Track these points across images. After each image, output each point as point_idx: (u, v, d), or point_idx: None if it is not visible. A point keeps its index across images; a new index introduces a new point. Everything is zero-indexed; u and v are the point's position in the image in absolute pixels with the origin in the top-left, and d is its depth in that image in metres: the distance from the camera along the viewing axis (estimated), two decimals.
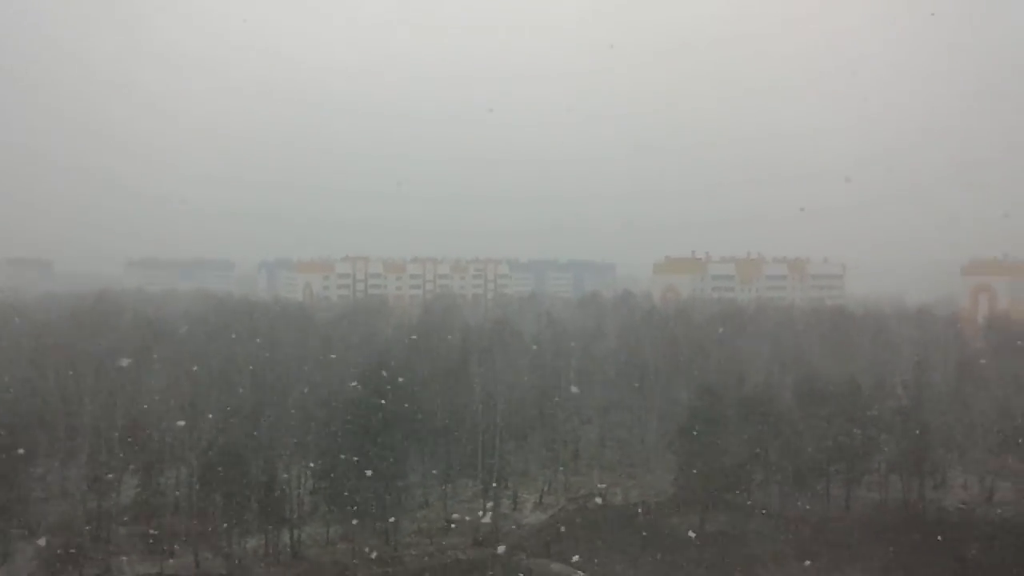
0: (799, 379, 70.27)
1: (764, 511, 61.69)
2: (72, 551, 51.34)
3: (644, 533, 57.95)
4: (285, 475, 58.23)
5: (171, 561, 52.82)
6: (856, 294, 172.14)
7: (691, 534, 55.70)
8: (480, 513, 62.04)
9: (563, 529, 60.23)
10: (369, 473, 55.29)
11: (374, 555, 54.49)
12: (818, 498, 62.78)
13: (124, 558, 53.13)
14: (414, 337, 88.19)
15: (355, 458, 55.63)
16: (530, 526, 62.25)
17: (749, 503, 61.79)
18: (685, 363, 74.85)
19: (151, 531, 54.57)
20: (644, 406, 66.85)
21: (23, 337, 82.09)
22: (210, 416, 56.49)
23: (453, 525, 61.18)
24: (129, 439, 58.31)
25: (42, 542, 51.07)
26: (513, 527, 61.59)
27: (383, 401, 59.24)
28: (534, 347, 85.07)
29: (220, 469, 53.58)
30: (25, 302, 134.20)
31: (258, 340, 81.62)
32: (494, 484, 62.99)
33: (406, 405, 61.59)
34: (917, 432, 62.69)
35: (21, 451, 52.65)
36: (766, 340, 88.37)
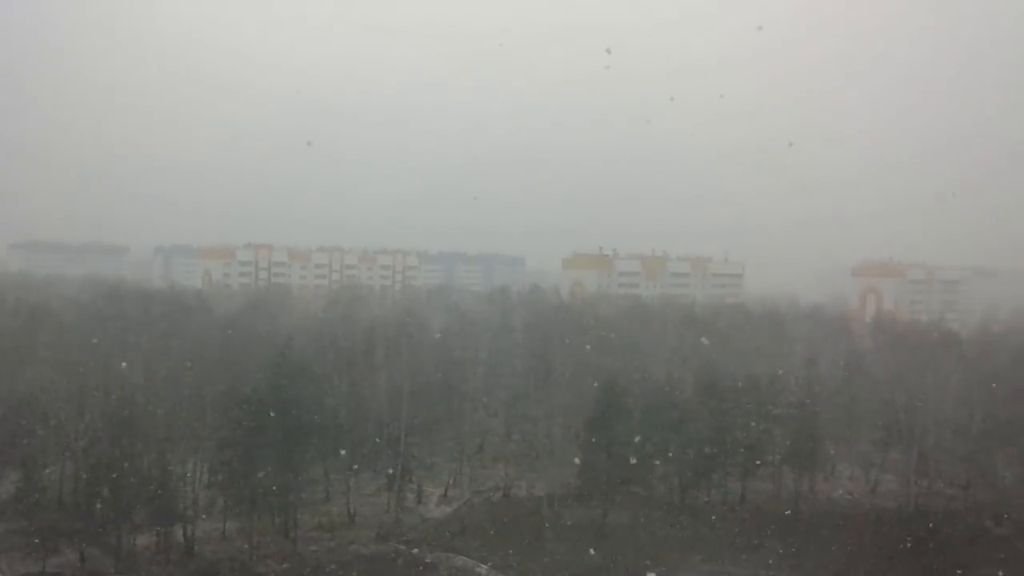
0: (699, 374, 72.22)
1: (665, 503, 63.17)
2: None
3: (548, 525, 58.51)
4: (180, 469, 56.07)
5: (56, 559, 50.07)
6: (754, 292, 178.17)
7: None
8: (385, 507, 61.38)
9: (468, 523, 60.20)
10: (268, 467, 53.85)
11: (272, 550, 53.12)
12: (717, 490, 64.68)
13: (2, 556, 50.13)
14: (318, 328, 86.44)
15: (253, 451, 54.04)
16: (435, 520, 61.90)
17: (651, 495, 63.14)
18: (591, 357, 75.81)
19: (32, 528, 51.60)
20: (550, 400, 67.35)
21: None
22: (97, 408, 53.81)
23: (356, 519, 60.25)
24: (6, 432, 55.08)
25: None
26: (418, 521, 61.12)
27: (285, 393, 57.80)
28: (440, 338, 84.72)
29: (108, 463, 51.14)
30: None
31: (151, 329, 78.32)
32: (399, 478, 62.36)
33: (309, 398, 60.31)
34: (808, 426, 65.44)
35: None
36: (669, 335, 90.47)
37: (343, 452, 62.32)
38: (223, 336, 76.13)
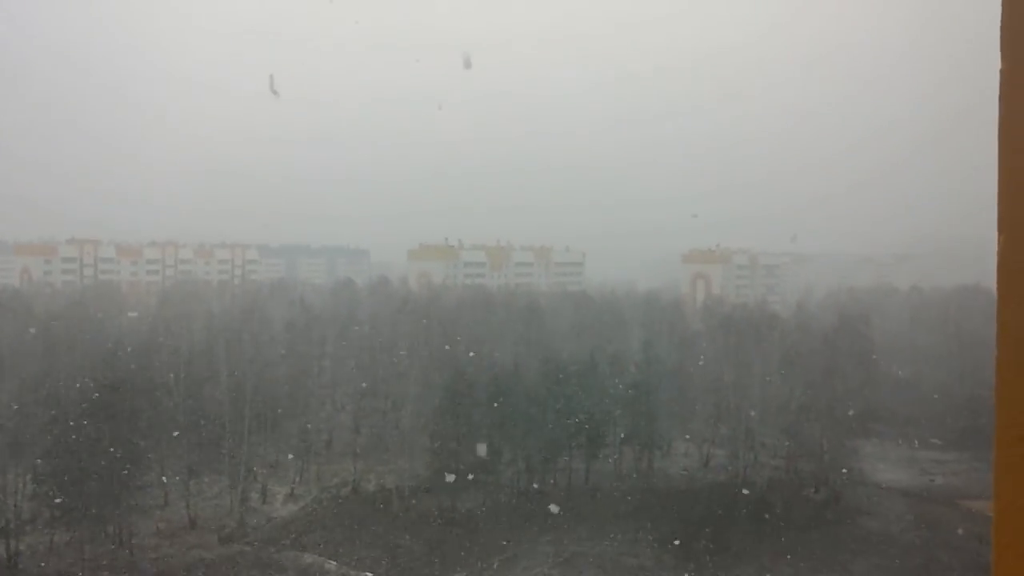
0: (543, 360, 74.46)
1: (513, 488, 64.88)
2: None
3: (398, 517, 58.79)
4: (0, 480, 51.97)
5: None
6: (594, 281, 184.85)
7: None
8: (228, 509, 59.47)
9: (316, 520, 59.46)
10: (98, 474, 50.94)
11: (107, 561, 50.36)
12: (562, 473, 67.05)
13: None
14: (151, 326, 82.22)
15: (82, 458, 50.95)
16: (281, 519, 60.66)
17: (498, 481, 64.67)
18: (438, 347, 76.48)
19: None
20: (399, 391, 67.52)
21: None
22: None
23: (197, 523, 58.06)
24: None
25: None
26: (263, 521, 59.69)
27: (116, 396, 54.80)
28: (283, 333, 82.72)
29: None
30: None
31: None
32: (242, 478, 60.58)
33: (142, 399, 57.49)
34: (646, 406, 69.08)
35: None
36: (515, 323, 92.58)
37: (180, 454, 59.83)
38: (46, 337, 70.94)
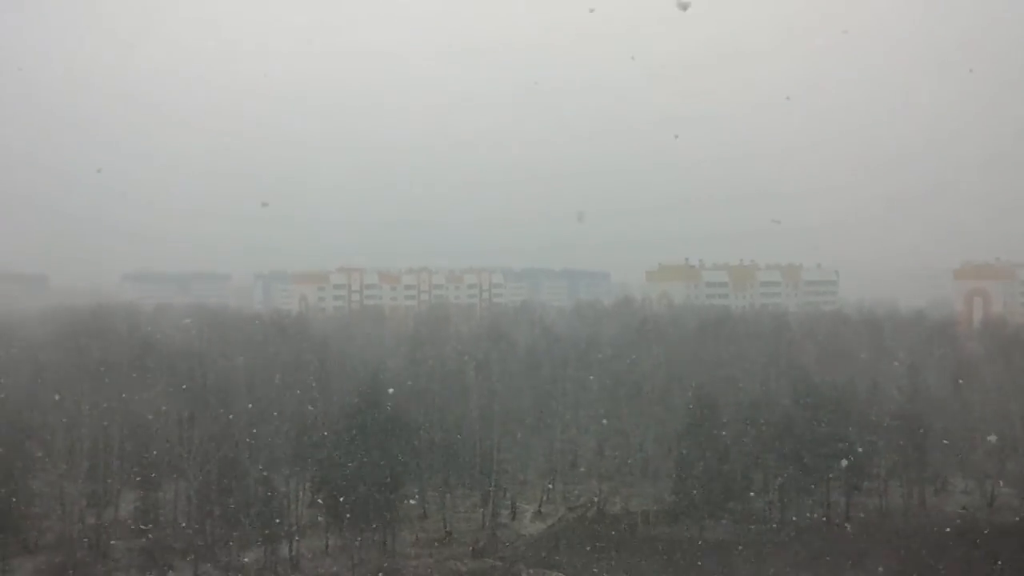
0: (797, 384, 70.27)
1: (764, 519, 61.63)
2: (70, 567, 51.07)
3: (643, 542, 57.93)
4: (283, 488, 57.98)
5: (171, 574, 52.48)
6: (850, 300, 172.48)
7: None
8: (480, 524, 61.93)
9: (562, 539, 60.13)
10: (366, 484, 55.15)
11: (373, 566, 54.28)
12: (819, 505, 62.69)
13: (122, 574, 52.82)
14: (408, 348, 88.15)
15: (352, 470, 55.50)
16: (529, 536, 62.07)
17: (749, 511, 61.72)
18: (682, 370, 74.85)
19: (149, 545, 54.27)
20: (642, 413, 66.76)
21: (20, 353, 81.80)
22: (206, 430, 56.26)
23: (452, 535, 61.03)
24: (127, 453, 58.17)
25: (40, 558, 50.80)
26: (513, 537, 61.42)
27: (380, 412, 59.16)
28: (527, 354, 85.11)
29: (218, 483, 53.38)
30: (20, 318, 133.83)
31: (252, 352, 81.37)
32: (492, 495, 62.81)
33: (403, 416, 61.52)
34: (916, 437, 62.69)
35: (19, 466, 52.49)
36: (763, 346, 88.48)
37: (437, 469, 63.27)
38: (320, 358, 78.41)
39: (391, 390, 64.47)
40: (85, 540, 53.74)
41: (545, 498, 68.92)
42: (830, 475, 62.58)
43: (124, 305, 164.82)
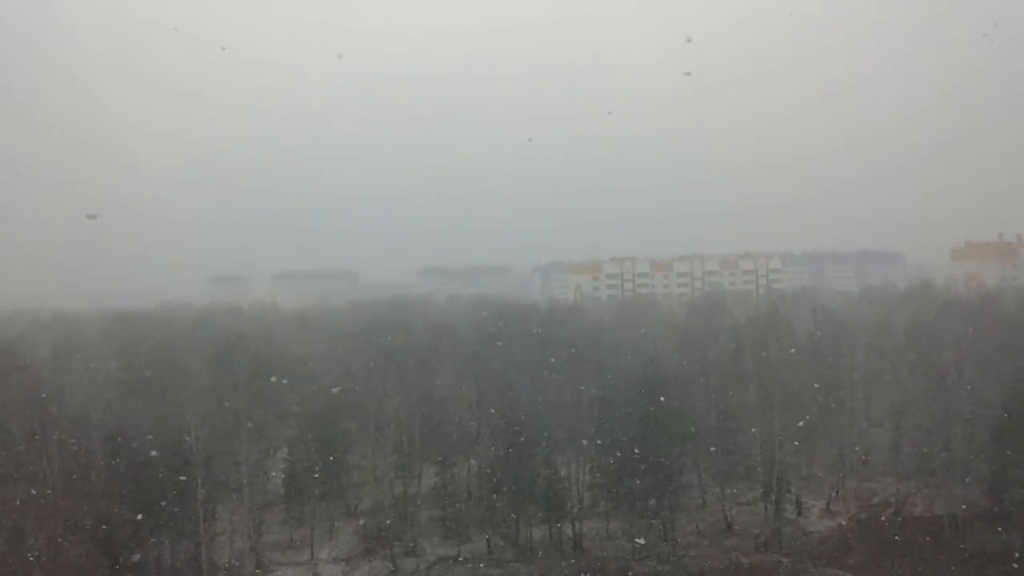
0: None
1: None
2: (383, 531, 57.28)
3: (951, 550, 52.74)
4: (564, 471, 60.31)
5: (467, 545, 56.93)
6: None
7: None
8: (763, 517, 60.05)
9: (854, 540, 56.54)
10: (645, 471, 55.72)
11: (652, 552, 54.82)
12: None
13: (426, 540, 58.28)
14: (680, 336, 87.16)
15: (631, 456, 56.31)
16: (817, 534, 59.09)
17: None
18: (996, 361, 66.67)
19: (448, 516, 59.28)
20: (946, 408, 60.41)
21: (333, 341, 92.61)
22: (493, 412, 60.14)
23: (733, 527, 59.83)
24: (425, 433, 63.92)
25: (360, 522, 57.55)
26: (799, 534, 58.85)
27: (656, 400, 59.32)
28: (809, 342, 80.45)
29: (505, 462, 56.86)
30: (335, 309, 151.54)
31: (531, 340, 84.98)
32: (775, 488, 60.52)
33: (678, 404, 61.15)
34: None
35: (340, 441, 59.84)
36: None
37: (715, 459, 62.20)
38: (597, 345, 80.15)
39: (667, 377, 64.37)
40: (394, 508, 59.92)
41: (835, 495, 65.13)
42: None
43: (420, 298, 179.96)
